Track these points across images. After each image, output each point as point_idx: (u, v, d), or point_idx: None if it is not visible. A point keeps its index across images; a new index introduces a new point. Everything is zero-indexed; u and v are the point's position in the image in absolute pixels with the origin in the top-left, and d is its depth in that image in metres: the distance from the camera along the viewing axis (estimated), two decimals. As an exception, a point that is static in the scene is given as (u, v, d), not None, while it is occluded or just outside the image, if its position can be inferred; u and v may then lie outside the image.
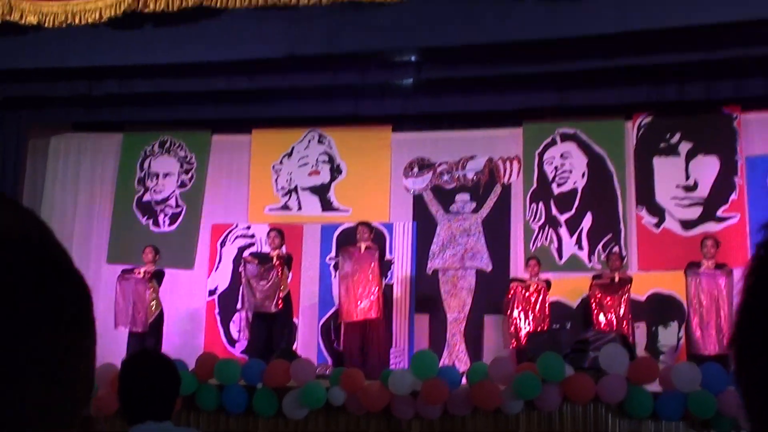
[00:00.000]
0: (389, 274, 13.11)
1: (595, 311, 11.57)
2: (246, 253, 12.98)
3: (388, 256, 13.23)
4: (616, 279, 11.79)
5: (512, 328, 11.83)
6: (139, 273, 12.30)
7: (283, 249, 12.29)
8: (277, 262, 11.97)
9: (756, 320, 0.93)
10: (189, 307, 13.68)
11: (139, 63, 11.71)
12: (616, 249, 12.38)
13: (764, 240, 0.94)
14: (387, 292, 12.66)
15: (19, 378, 0.85)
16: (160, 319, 12.19)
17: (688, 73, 11.95)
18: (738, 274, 11.50)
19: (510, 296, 11.96)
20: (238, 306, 12.62)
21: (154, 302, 12.13)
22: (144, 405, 3.29)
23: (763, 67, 11.00)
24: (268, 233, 12.53)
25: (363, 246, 12.04)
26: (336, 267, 13.21)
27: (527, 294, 11.85)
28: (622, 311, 11.50)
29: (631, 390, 8.74)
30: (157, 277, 12.32)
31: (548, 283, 12.03)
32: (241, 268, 12.36)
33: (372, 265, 11.88)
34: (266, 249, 12.70)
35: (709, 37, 10.58)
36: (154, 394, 3.31)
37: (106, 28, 11.09)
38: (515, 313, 11.81)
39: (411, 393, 8.97)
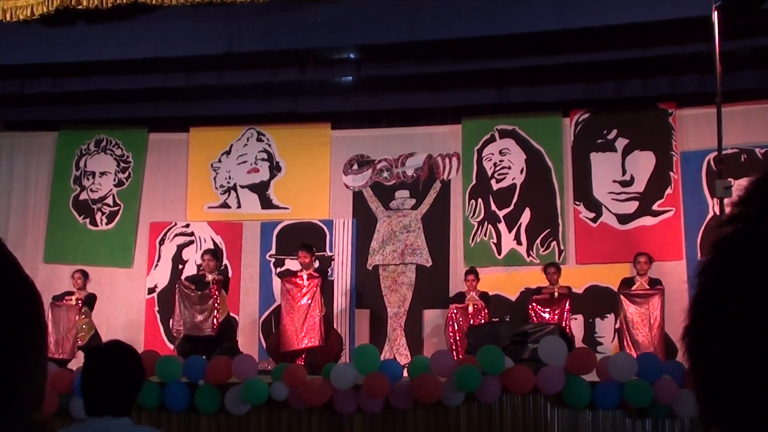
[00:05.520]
0: (330, 271, 13.08)
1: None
2: (183, 276, 12.75)
3: (328, 253, 13.25)
4: (556, 294, 11.84)
5: (453, 353, 11.27)
6: (70, 300, 12.10)
7: (225, 259, 12.08)
8: (214, 287, 11.61)
9: (704, 323, 0.89)
10: (128, 305, 13.56)
11: (73, 60, 11.54)
12: (552, 269, 12.10)
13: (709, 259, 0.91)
14: (328, 289, 12.59)
15: None
16: (95, 341, 11.75)
17: (624, 71, 12.13)
18: (678, 298, 11.33)
19: (449, 320, 11.90)
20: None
21: (86, 326, 11.96)
22: (105, 397, 3.24)
23: (697, 65, 11.18)
24: (203, 255, 12.29)
25: (305, 275, 11.67)
26: (276, 264, 13.20)
27: (467, 316, 11.73)
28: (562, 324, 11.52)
29: (569, 380, 8.83)
30: (89, 303, 12.14)
31: (486, 298, 12.00)
32: (176, 292, 11.82)
33: (314, 295, 11.56)
34: (206, 246, 12.65)
35: (645, 34, 10.75)
36: (117, 387, 3.25)
37: (38, 25, 10.92)
38: (455, 337, 11.69)
39: (353, 387, 8.99)
